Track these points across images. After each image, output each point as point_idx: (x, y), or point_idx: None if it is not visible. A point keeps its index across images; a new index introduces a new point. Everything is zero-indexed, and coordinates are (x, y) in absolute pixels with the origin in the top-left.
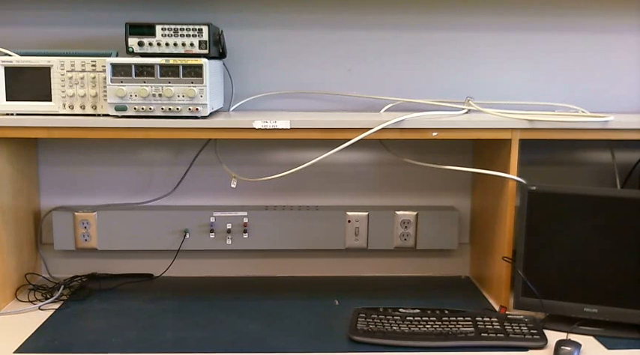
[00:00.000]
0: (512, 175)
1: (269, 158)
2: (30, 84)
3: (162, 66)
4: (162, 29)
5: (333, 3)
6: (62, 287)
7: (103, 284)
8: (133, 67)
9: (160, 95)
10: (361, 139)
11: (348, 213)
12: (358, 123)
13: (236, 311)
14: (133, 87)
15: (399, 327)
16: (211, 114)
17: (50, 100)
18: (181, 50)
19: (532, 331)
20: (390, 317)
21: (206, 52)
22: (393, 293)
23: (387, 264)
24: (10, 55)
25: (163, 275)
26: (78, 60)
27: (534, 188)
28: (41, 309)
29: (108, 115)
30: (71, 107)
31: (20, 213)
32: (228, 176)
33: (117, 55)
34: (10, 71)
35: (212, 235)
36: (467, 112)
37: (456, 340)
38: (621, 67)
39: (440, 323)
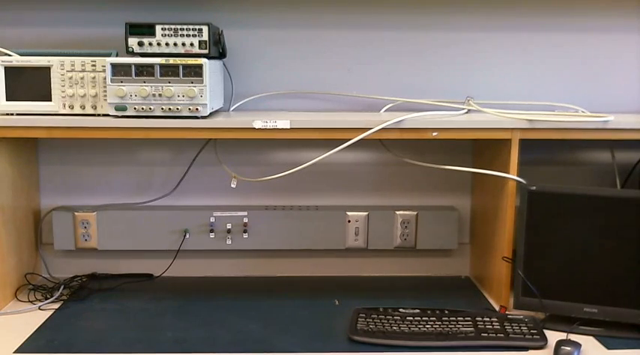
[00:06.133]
0: (512, 175)
1: (269, 158)
2: (30, 84)
3: (162, 66)
4: (162, 29)
5: (333, 3)
6: (62, 287)
7: (103, 284)
8: (133, 67)
9: (160, 95)
10: (361, 139)
11: (348, 213)
12: (358, 123)
13: (236, 311)
14: (133, 87)
15: (399, 327)
16: (211, 114)
17: (50, 100)
18: (181, 50)
19: (532, 331)
20: (390, 317)
21: (206, 52)
22: (393, 293)
23: (387, 264)
24: (10, 55)
25: (163, 275)
26: (78, 60)
27: (534, 188)
28: (41, 309)
29: (108, 115)
30: (71, 107)
31: (20, 213)
32: (228, 176)
33: (117, 55)
34: (10, 71)
35: (212, 235)
36: (467, 112)
37: (456, 340)
38: (621, 67)
39: (440, 323)
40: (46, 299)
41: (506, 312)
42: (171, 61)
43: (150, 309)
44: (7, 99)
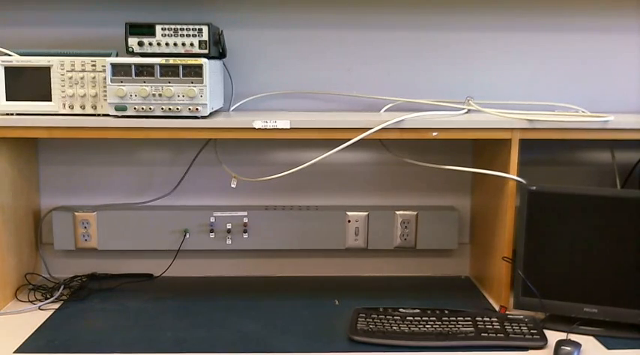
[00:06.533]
0: (512, 175)
1: (269, 158)
2: (30, 84)
3: (162, 66)
4: (162, 29)
5: (333, 3)
6: (62, 287)
7: (103, 284)
8: (133, 67)
9: (160, 95)
10: (361, 139)
11: (348, 213)
12: (358, 123)
13: (236, 311)
14: (133, 87)
15: (399, 327)
16: (211, 114)
17: (50, 100)
18: (181, 50)
19: (532, 331)
20: (390, 317)
21: (206, 52)
22: (393, 293)
23: (387, 264)
24: (10, 55)
25: (163, 275)
26: (78, 60)
27: (534, 188)
28: (41, 309)
29: (108, 115)
30: (71, 107)
31: (20, 213)
32: (228, 176)
33: (117, 55)
34: (10, 71)
35: (212, 235)
36: (467, 112)
37: (456, 340)
38: (621, 67)
39: (440, 323)
40: (46, 299)
41: (506, 312)
42: (171, 61)
43: (150, 309)
44: (7, 99)
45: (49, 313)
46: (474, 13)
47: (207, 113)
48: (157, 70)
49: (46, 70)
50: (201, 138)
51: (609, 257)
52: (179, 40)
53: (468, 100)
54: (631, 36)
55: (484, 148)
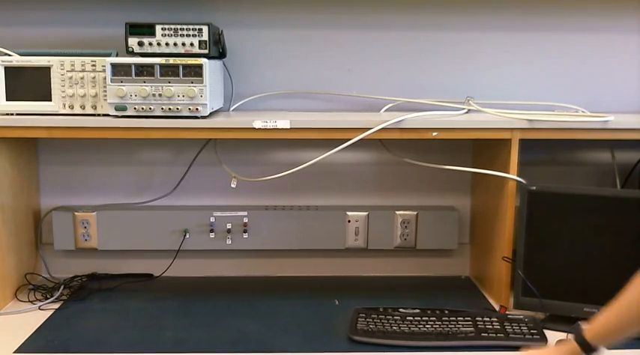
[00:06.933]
0: (512, 175)
1: (269, 158)
2: (30, 84)
3: (162, 66)
4: (162, 29)
5: (334, 3)
6: (62, 287)
7: (103, 284)
8: (133, 66)
9: (160, 95)
10: (361, 139)
11: (348, 213)
12: (358, 123)
13: (236, 311)
14: (133, 87)
15: (399, 327)
16: (211, 114)
17: (50, 100)
18: (181, 50)
19: (532, 331)
20: (390, 317)
21: (206, 51)
22: (393, 293)
23: (387, 264)
24: (10, 55)
25: (163, 275)
26: (78, 60)
27: (534, 188)
28: (41, 309)
29: (108, 115)
30: (71, 107)
31: (20, 213)
32: (228, 176)
33: (117, 55)
34: (10, 71)
35: (212, 235)
36: (467, 112)
37: (456, 340)
38: (621, 67)
39: (440, 323)
40: (46, 299)
41: (506, 312)
42: (171, 61)
43: (150, 309)
44: (7, 99)
45: (49, 313)
46: (474, 13)
47: (207, 113)
48: (157, 70)
49: (46, 70)
50: (201, 138)
51: (609, 257)
52: (179, 40)
53: (468, 100)
54: (631, 36)
55: (484, 148)
